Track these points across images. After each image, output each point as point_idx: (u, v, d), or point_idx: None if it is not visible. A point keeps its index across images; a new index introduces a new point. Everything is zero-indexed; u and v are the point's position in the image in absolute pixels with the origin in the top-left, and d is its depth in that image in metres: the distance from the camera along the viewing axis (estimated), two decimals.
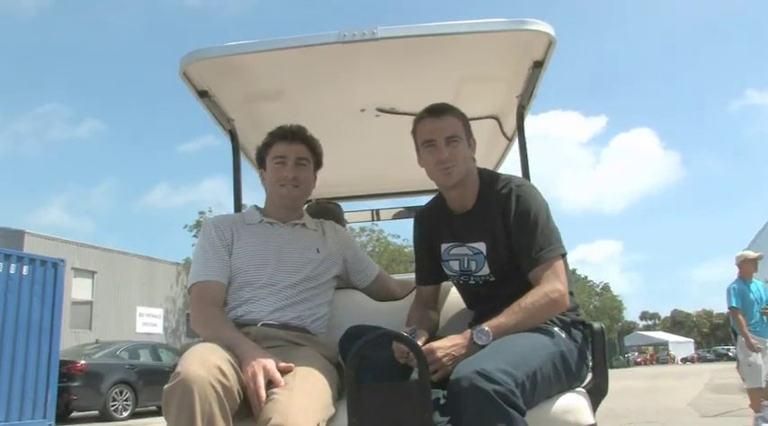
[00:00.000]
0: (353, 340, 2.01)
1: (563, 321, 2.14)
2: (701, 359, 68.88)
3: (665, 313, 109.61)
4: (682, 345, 76.63)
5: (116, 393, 13.60)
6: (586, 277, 66.72)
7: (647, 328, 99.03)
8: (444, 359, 1.91)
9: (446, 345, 1.95)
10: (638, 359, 69.49)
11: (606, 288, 68.21)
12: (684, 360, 68.52)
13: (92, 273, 22.34)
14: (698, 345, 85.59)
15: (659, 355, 72.51)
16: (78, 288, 21.61)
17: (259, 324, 2.25)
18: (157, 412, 12.56)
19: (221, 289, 2.32)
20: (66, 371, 12.63)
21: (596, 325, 2.16)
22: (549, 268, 2.09)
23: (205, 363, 1.81)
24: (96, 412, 13.43)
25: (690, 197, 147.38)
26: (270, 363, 1.93)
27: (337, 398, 2.02)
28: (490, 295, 2.24)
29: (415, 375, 1.91)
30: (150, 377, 13.98)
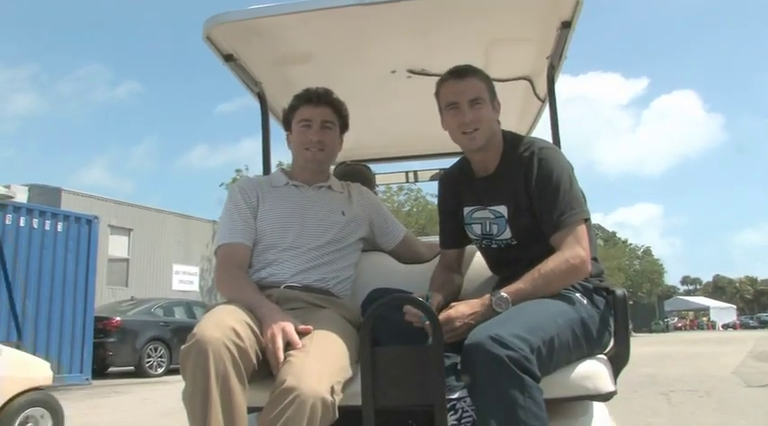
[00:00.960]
0: (375, 302, 2.00)
1: (585, 287, 2.10)
2: (744, 326, 67.77)
3: (706, 278, 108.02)
4: (723, 311, 75.46)
5: (151, 349, 13.76)
6: (626, 240, 65.82)
7: (688, 293, 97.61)
8: (462, 328, 1.90)
9: (464, 313, 1.93)
10: (678, 325, 68.63)
11: (647, 251, 67.14)
12: (726, 327, 67.47)
13: (128, 231, 22.57)
14: (740, 311, 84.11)
15: (699, 320, 71.48)
16: (115, 246, 21.89)
17: (282, 287, 2.27)
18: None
19: (246, 252, 2.34)
20: (102, 327, 12.81)
21: (619, 292, 2.11)
22: (570, 233, 2.04)
23: (220, 325, 1.84)
24: (132, 368, 13.64)
25: (732, 160, 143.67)
26: (289, 325, 1.95)
27: (356, 360, 1.99)
28: (512, 258, 2.21)
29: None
30: (184, 335, 13.26)
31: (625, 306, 2.10)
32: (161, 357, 13.94)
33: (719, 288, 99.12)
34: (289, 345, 1.92)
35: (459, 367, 1.88)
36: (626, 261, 57.76)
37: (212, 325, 1.85)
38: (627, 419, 5.89)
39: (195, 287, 24.97)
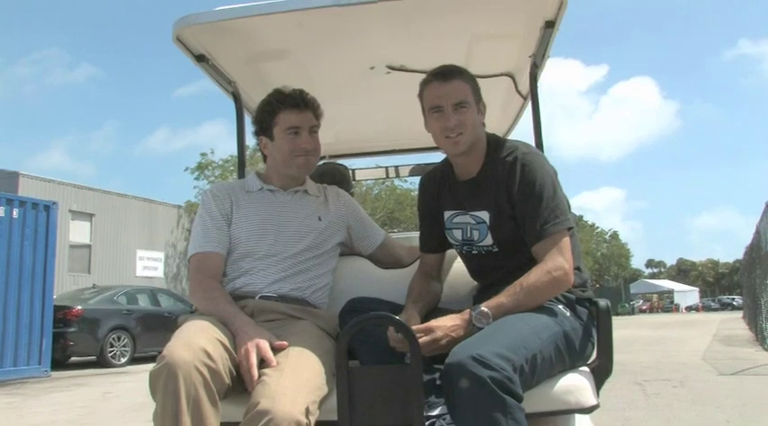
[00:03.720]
0: (353, 312, 2.08)
1: (568, 298, 2.05)
2: (706, 308, 69.37)
3: (669, 261, 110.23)
4: (687, 294, 77.18)
5: (113, 339, 13.36)
6: (594, 224, 66.68)
7: (653, 276, 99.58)
8: (443, 341, 1.85)
9: (446, 325, 1.88)
10: (643, 307, 69.94)
11: (615, 236, 68.17)
12: (689, 309, 68.99)
13: (90, 216, 22.03)
14: (702, 294, 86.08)
15: (664, 303, 72.94)
16: (76, 231, 21.37)
17: (257, 297, 2.24)
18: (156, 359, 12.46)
19: (220, 260, 2.30)
20: (62, 317, 12.41)
21: (602, 303, 2.07)
22: (553, 243, 1.98)
23: (190, 346, 1.80)
24: (94, 358, 13.24)
25: (686, 146, 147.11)
26: (263, 342, 1.92)
27: (333, 374, 1.94)
28: (493, 266, 2.17)
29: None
30: (148, 323, 13.76)
31: (608, 317, 2.06)
32: (124, 346, 13.55)
33: (683, 271, 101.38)
34: (263, 362, 1.88)
35: (438, 383, 1.84)
36: (593, 245, 58.56)
37: (182, 347, 1.80)
38: (604, 412, 5.78)
39: (160, 273, 24.54)
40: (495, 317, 1.87)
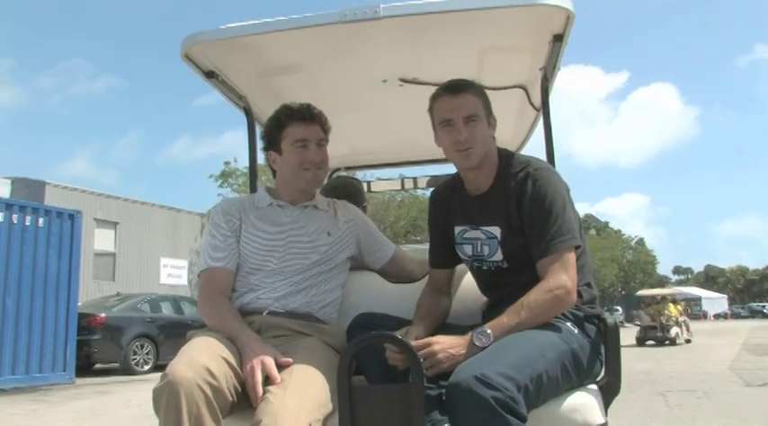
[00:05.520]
0: (361, 328, 2.11)
1: (576, 315, 2.03)
2: (735, 316, 68.13)
3: (696, 268, 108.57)
4: (715, 301, 75.74)
5: (137, 346, 13.48)
6: (619, 230, 65.96)
7: (680, 283, 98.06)
8: (441, 356, 1.84)
9: (446, 343, 1.86)
10: None
11: (641, 242, 67.37)
12: (717, 316, 67.79)
13: (114, 224, 22.25)
14: (731, 301, 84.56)
15: (692, 310, 71.79)
16: (101, 240, 21.58)
17: (265, 313, 2.25)
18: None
19: (229, 276, 2.31)
20: (87, 324, 12.52)
21: (610, 320, 2.05)
22: (557, 260, 1.97)
23: (193, 364, 1.81)
24: (118, 365, 13.36)
25: (707, 152, 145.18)
26: (268, 358, 1.92)
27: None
28: (503, 281, 2.16)
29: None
30: (171, 331, 13.77)
31: (616, 335, 2.04)
32: (147, 353, 13.66)
33: (711, 278, 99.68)
34: (268, 379, 1.89)
35: (443, 398, 1.82)
36: (619, 251, 57.92)
37: (184, 364, 1.82)
38: (625, 423, 5.70)
39: (183, 281, 24.69)
40: (497, 337, 1.85)
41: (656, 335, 20.41)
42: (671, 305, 21.47)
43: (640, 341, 20.51)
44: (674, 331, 20.36)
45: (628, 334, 27.99)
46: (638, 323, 21.91)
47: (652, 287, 72.14)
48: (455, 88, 2.11)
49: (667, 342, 19.98)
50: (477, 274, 2.27)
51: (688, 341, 21.08)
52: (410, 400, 1.75)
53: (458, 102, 2.09)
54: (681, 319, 21.53)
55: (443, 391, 1.83)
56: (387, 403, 1.79)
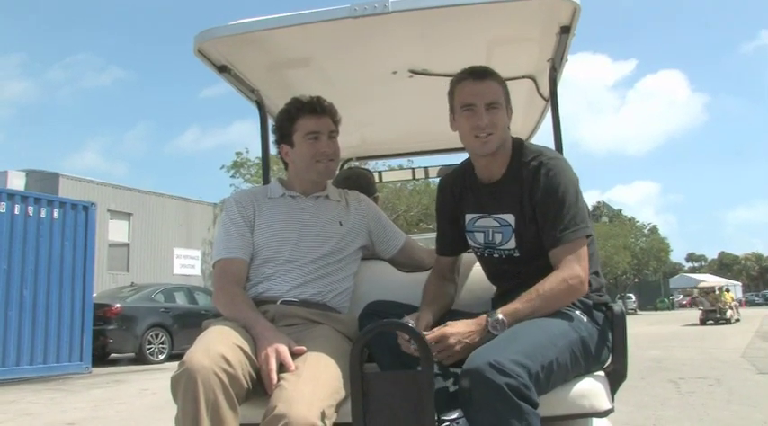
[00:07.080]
0: (372, 316, 2.14)
1: (585, 303, 2.07)
2: (750, 303, 67.69)
3: (710, 255, 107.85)
4: (729, 288, 75.15)
5: (151, 336, 13.67)
6: (632, 217, 65.59)
7: (693, 270, 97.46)
8: (457, 347, 1.87)
9: (460, 331, 1.89)
10: (684, 302, 68.53)
11: (654, 229, 66.97)
12: None
13: (128, 215, 22.43)
14: (746, 288, 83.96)
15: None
16: (115, 231, 21.78)
17: (278, 302, 2.28)
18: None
19: (243, 266, 2.35)
20: (102, 314, 12.72)
21: (617, 308, 2.10)
22: (570, 250, 2.00)
23: (209, 352, 1.85)
24: (133, 355, 13.52)
25: (716, 139, 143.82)
26: (282, 346, 1.96)
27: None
28: (512, 270, 2.18)
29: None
30: (186, 320, 13.94)
31: (623, 322, 2.09)
32: (162, 343, 13.85)
33: (725, 265, 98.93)
34: (282, 366, 1.93)
35: (452, 390, 1.88)
36: (632, 238, 57.61)
37: (201, 352, 1.85)
38: (635, 410, 5.72)
39: (197, 271, 24.86)
40: (511, 324, 1.89)
41: (715, 316, 27.07)
42: (725, 293, 29.31)
43: (702, 322, 26.60)
44: (729, 313, 27.37)
45: (641, 322, 28.04)
46: (702, 307, 28.77)
47: (665, 274, 71.78)
48: (480, 74, 2.12)
49: (722, 322, 26.39)
50: (487, 262, 2.28)
51: (737, 320, 27.75)
52: (420, 387, 1.78)
53: (482, 88, 2.10)
54: (733, 304, 29.30)
55: (451, 382, 1.89)
56: (398, 389, 1.82)
